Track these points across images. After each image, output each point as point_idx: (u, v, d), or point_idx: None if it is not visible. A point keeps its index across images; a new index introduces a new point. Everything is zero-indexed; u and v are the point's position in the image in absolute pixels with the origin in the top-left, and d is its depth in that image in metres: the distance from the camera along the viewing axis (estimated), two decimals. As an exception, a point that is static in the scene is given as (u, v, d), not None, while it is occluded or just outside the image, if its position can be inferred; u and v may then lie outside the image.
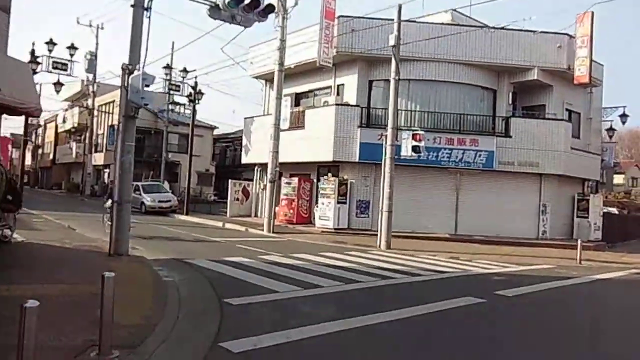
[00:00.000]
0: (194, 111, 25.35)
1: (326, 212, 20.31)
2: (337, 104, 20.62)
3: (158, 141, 39.49)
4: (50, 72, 21.29)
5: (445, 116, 21.00)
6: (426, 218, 20.68)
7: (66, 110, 50.13)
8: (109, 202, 11.48)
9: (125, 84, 10.48)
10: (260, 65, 24.20)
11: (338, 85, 22.10)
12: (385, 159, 16.73)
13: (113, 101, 40.74)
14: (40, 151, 60.57)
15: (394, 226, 17.10)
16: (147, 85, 10.38)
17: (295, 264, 11.42)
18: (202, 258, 11.35)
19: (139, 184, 27.83)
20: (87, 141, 43.16)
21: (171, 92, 24.99)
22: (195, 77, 25.29)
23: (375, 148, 19.76)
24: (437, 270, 11.93)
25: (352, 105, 20.70)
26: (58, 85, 22.07)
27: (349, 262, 12.34)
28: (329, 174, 20.60)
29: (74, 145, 46.24)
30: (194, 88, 25.07)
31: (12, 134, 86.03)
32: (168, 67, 24.59)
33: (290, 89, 23.19)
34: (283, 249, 14.18)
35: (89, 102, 41.76)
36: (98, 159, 42.28)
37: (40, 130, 60.60)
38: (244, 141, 25.87)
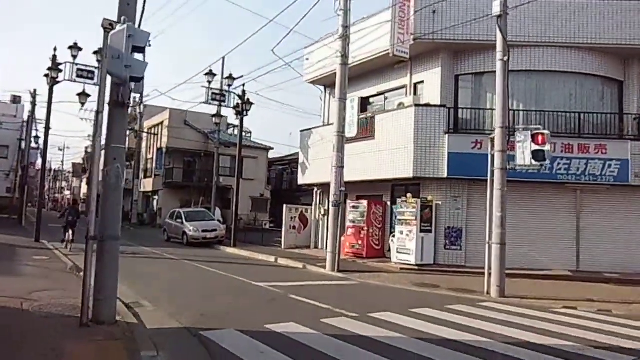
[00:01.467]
0: (242, 123, 21.57)
1: (406, 244, 15.76)
2: (416, 105, 16.19)
3: (209, 164, 36.24)
4: (75, 81, 18.15)
5: (557, 116, 16.14)
6: (538, 250, 15.72)
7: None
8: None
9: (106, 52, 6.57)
10: (317, 68, 20.22)
11: (415, 84, 17.70)
12: (492, 172, 12.09)
13: (161, 122, 38.05)
14: (95, 179, 59.16)
15: (478, 261, 12.73)
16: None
17: (381, 337, 6.98)
18: (234, 326, 7.14)
19: (182, 211, 24.28)
20: (134, 166, 40.58)
21: (214, 102, 21.31)
22: (243, 85, 21.64)
23: (468, 159, 15.28)
24: (613, 346, 7.14)
25: (435, 106, 16.21)
26: (83, 96, 18.82)
27: (463, 328, 7.77)
28: (408, 195, 16.11)
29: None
30: (241, 97, 21.36)
31: (73, 164, 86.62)
32: (211, 73, 21.09)
33: (354, 94, 19.05)
34: (356, 303, 9.80)
35: (138, 124, 39.21)
36: (147, 185, 39.50)
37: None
38: (301, 158, 21.81)
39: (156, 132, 39.18)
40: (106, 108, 6.81)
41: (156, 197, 39.14)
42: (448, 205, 16.14)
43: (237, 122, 34.40)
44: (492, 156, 12.17)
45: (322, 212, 21.18)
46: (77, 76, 18.44)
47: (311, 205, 22.54)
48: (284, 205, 21.89)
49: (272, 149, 39.58)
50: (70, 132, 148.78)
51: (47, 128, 19.16)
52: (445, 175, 15.66)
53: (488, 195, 12.22)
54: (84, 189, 65.73)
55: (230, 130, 42.34)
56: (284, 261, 16.96)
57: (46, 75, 18.06)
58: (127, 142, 7.16)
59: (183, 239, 22.67)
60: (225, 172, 37.17)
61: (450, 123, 16.14)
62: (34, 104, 31.04)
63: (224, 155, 36.14)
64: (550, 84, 16.62)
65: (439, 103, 16.43)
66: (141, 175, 39.73)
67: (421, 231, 15.64)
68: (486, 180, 15.41)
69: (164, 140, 37.35)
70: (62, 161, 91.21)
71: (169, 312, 7.97)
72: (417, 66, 17.55)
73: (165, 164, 36.49)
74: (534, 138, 11.61)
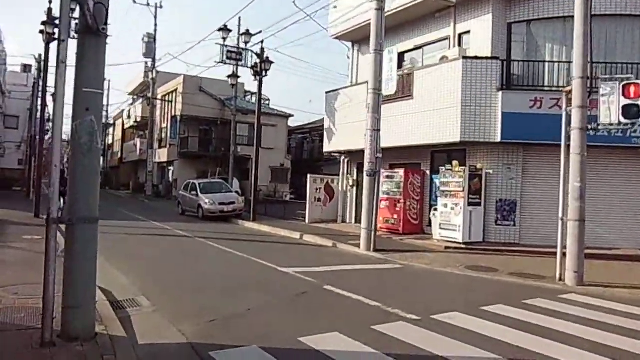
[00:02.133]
0: (260, 84, 19.39)
1: (451, 219, 13.68)
2: (464, 58, 13.87)
3: (226, 133, 34.28)
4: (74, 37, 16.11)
5: (629, 69, 13.72)
6: (604, 226, 13.54)
7: (131, 104, 46.33)
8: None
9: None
10: (345, 20, 17.89)
11: (460, 34, 15.33)
12: (568, 133, 9.88)
13: (175, 89, 36.05)
14: (110, 150, 57.67)
15: (550, 239, 11.03)
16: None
17: (456, 357, 5.00)
18: (257, 341, 5.18)
19: (196, 182, 22.42)
20: (148, 136, 38.86)
21: (230, 61, 19.15)
22: (261, 43, 19.38)
23: (525, 120, 13.12)
24: None
25: (487, 59, 13.88)
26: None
27: (561, 337, 5.73)
28: (455, 163, 13.93)
29: (138, 141, 42.13)
30: (259, 55, 19.16)
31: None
32: (225, 29, 18.89)
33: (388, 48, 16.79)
34: (410, 297, 7.84)
35: (151, 92, 37.27)
36: (161, 155, 37.71)
37: (111, 130, 57.74)
38: (326, 123, 19.65)
39: (170, 100, 37.20)
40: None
41: (171, 167, 37.42)
42: (500, 174, 13.94)
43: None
44: (568, 114, 9.94)
45: (351, 183, 19.14)
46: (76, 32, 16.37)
47: (337, 175, 20.50)
48: (308, 176, 19.87)
49: (292, 116, 37.47)
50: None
51: (44, 92, 17.13)
52: (498, 139, 13.42)
53: (562, 161, 10.05)
54: (101, 160, 64.59)
55: (247, 98, 40.25)
56: (310, 238, 15.03)
57: (41, 32, 16.05)
58: (104, 87, 5.11)
59: (198, 213, 20.86)
60: (243, 141, 35.28)
61: (504, 78, 13.82)
62: (39, 70, 29.11)
63: (241, 123, 34.18)
64: (623, 30, 14.15)
65: (489, 55, 14.10)
66: (155, 145, 37.96)
67: (469, 204, 13.52)
68: (545, 145, 13.30)
69: (178, 108, 35.38)
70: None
71: (172, 316, 6.06)
72: (462, 13, 15.15)
73: (180, 133, 34.60)
74: (624, 90, 9.33)
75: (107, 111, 56.13)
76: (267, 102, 40.63)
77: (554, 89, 13.73)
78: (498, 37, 14.39)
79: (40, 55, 30.02)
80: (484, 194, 13.84)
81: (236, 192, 27.76)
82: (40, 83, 31.24)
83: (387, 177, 16.05)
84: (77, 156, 4.83)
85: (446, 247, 13.36)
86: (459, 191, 13.58)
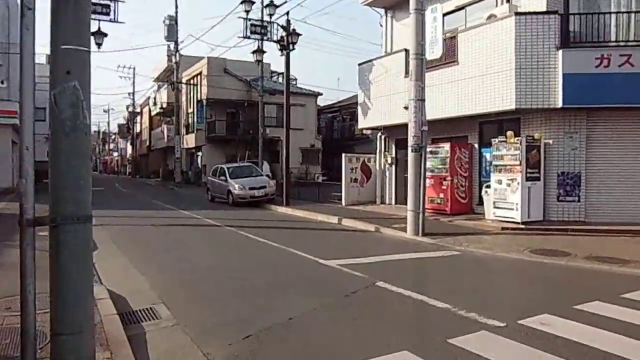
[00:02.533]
0: (288, 59, 18.04)
1: (507, 196, 12.22)
2: (517, 14, 12.25)
3: (253, 115, 33.13)
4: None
5: None
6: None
7: (156, 90, 45.59)
8: None
9: None
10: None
11: (509, -11, 13.68)
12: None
13: (200, 73, 35.01)
14: (139, 139, 57.30)
15: (621, 216, 10.60)
16: None
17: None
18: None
19: (225, 166, 21.38)
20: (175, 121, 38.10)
21: (254, 36, 17.83)
22: (287, 14, 18.00)
23: (591, 82, 11.55)
24: None
25: (542, 14, 12.24)
26: (99, 35, 15.73)
27: None
28: (509, 133, 12.41)
29: (164, 128, 41.42)
30: (285, 28, 17.80)
31: (118, 125, 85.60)
32: (248, 0, 17.56)
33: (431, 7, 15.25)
34: (475, 291, 6.56)
35: (175, 76, 36.31)
36: (189, 140, 36.90)
37: (138, 118, 57.28)
38: (360, 97, 18.24)
39: (195, 83, 36.19)
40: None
41: (199, 153, 36.58)
42: (561, 144, 12.39)
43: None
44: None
45: (389, 161, 17.78)
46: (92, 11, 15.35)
47: (372, 153, 19.13)
48: (343, 155, 18.54)
49: (321, 94, 36.06)
50: (113, 91, 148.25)
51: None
52: (560, 105, 11.84)
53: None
54: (130, 149, 64.36)
55: (273, 79, 38.99)
56: (349, 222, 13.78)
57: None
58: (90, 45, 3.83)
59: (228, 199, 19.82)
60: (272, 123, 34.13)
61: (562, 36, 12.17)
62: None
63: (268, 104, 32.99)
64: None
65: (544, 10, 12.44)
66: (182, 131, 37.09)
67: (527, 179, 12.04)
68: (614, 109, 11.76)
69: (203, 91, 34.36)
70: (108, 122, 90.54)
71: (197, 331, 4.90)
72: (511, -35, 13.47)
73: (206, 117, 33.61)
74: None
75: (133, 99, 55.73)
76: (294, 82, 39.31)
77: (621, 44, 12.07)
78: (554, -11, 12.69)
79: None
80: (543, 167, 12.34)
81: (267, 175, 26.79)
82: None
83: (431, 152, 14.59)
84: (59, 136, 3.65)
85: (503, 228, 11.94)
86: (515, 165, 12.09)
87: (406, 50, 15.71)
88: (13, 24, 27.57)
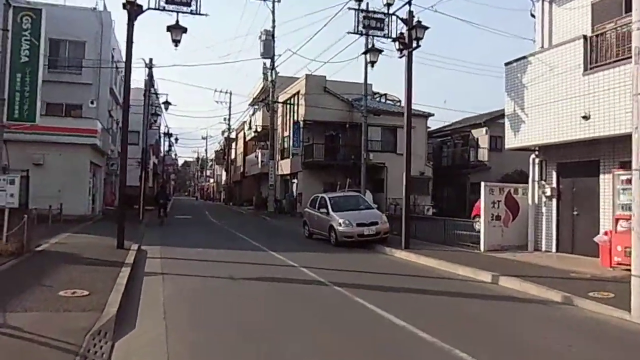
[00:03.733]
0: (410, 59, 14.05)
1: None
2: None
3: (355, 138, 29.45)
4: (164, 9, 12.07)
5: None
6: None
7: (252, 114, 43.41)
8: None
9: None
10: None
11: None
12: None
13: (297, 92, 32.01)
14: (233, 165, 55.64)
15: None
16: None
17: None
18: None
19: (326, 196, 17.56)
20: (270, 145, 35.36)
21: (369, 30, 14.03)
22: (409, 4, 14.06)
23: None
24: None
25: None
26: (176, 30, 12.61)
27: None
28: None
29: (259, 153, 38.85)
30: (406, 21, 13.88)
31: (215, 151, 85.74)
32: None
33: None
34: None
35: (271, 96, 33.63)
36: (284, 167, 33.85)
37: (233, 144, 55.73)
38: (508, 107, 13.68)
39: (292, 103, 33.21)
40: None
41: (294, 180, 33.37)
42: None
43: (383, 89, 27.42)
44: None
45: (548, 193, 13.15)
46: (166, 2, 12.35)
47: (506, 182, 14.52)
48: (482, 184, 14.11)
49: (432, 115, 31.63)
50: (209, 114, 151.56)
51: (128, 69, 12.98)
52: None
53: None
54: (224, 176, 63.16)
55: (376, 98, 35.28)
56: (512, 283, 9.32)
57: (125, 4, 12.14)
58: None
59: (330, 237, 15.97)
60: (375, 147, 30.28)
61: None
62: (150, 76, 26.47)
63: (372, 125, 29.26)
64: None
65: None
66: (277, 156, 34.19)
67: None
68: None
69: (300, 112, 31.23)
70: (206, 149, 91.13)
71: None
72: None
73: (303, 140, 30.38)
74: None
75: (229, 124, 54.30)
76: (398, 103, 35.37)
77: None
78: None
79: (151, 60, 27.48)
80: None
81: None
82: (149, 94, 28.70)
83: (626, 182, 9.88)
84: None
85: None
86: None
87: (584, 37, 11.30)
88: (105, 41, 26.01)
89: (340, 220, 15.54)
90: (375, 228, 15.42)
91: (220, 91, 52.98)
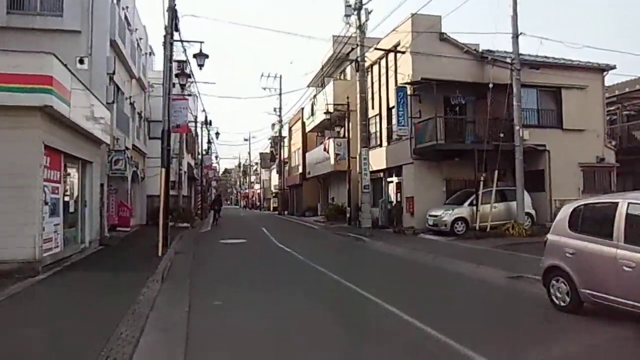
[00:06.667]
0: None
1: None
2: None
3: (494, 109, 18.29)
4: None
5: None
6: None
7: (313, 97, 32.68)
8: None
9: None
10: None
11: None
12: None
13: (397, 44, 21.25)
14: (287, 165, 45.10)
15: None
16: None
17: None
18: None
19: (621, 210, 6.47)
20: (351, 132, 24.72)
21: None
22: None
23: None
24: None
25: None
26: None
27: None
28: None
29: (330, 143, 28.06)
30: None
31: (260, 154, 75.40)
32: None
33: None
34: None
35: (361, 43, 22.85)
36: (376, 159, 22.78)
37: (286, 141, 45.11)
38: None
39: (388, 66, 22.31)
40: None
41: (392, 178, 22.53)
42: None
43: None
44: None
45: None
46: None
47: None
48: None
49: (614, 67, 20.21)
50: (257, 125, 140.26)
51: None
52: None
53: None
54: (275, 180, 52.80)
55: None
56: None
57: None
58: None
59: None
60: (530, 121, 19.29)
61: None
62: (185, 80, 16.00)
63: (526, 85, 18.29)
64: None
65: None
66: (358, 147, 23.13)
67: None
68: None
69: (406, 71, 20.26)
70: (249, 152, 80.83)
71: None
72: None
73: (412, 114, 19.54)
74: None
75: (280, 115, 43.89)
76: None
77: None
78: None
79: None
80: None
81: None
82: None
83: None
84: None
85: None
86: None
87: None
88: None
89: None
90: None
91: (268, 75, 42.39)
